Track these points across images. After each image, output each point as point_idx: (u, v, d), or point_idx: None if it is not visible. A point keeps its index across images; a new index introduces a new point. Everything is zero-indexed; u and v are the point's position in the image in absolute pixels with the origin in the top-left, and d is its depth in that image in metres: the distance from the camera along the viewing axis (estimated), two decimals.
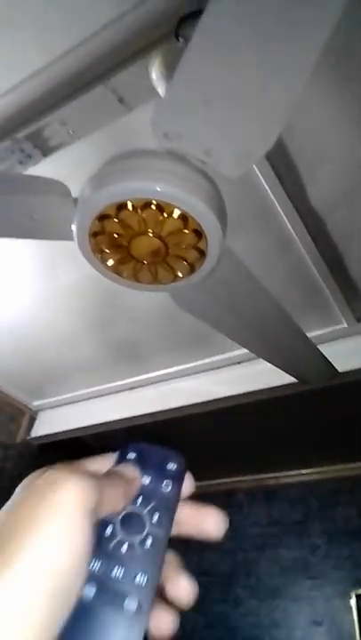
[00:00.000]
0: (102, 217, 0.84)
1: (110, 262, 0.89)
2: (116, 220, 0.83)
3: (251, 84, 0.76)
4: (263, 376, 2.38)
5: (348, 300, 2.05)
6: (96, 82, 1.28)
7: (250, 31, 0.74)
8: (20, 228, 0.96)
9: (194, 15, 1.14)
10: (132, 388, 2.72)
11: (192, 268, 0.90)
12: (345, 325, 2.17)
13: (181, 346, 2.41)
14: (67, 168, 1.51)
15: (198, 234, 0.85)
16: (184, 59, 0.74)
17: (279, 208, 1.64)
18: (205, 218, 0.83)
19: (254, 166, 1.52)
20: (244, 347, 1.38)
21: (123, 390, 2.74)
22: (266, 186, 1.58)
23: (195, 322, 1.33)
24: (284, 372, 2.24)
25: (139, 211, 0.81)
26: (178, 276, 0.90)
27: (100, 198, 0.82)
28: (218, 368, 2.50)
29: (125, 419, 2.74)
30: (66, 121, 1.34)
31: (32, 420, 3.03)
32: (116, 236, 0.86)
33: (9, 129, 1.43)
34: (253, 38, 0.74)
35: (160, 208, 0.81)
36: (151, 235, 0.83)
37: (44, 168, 1.49)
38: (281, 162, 1.53)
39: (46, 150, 1.42)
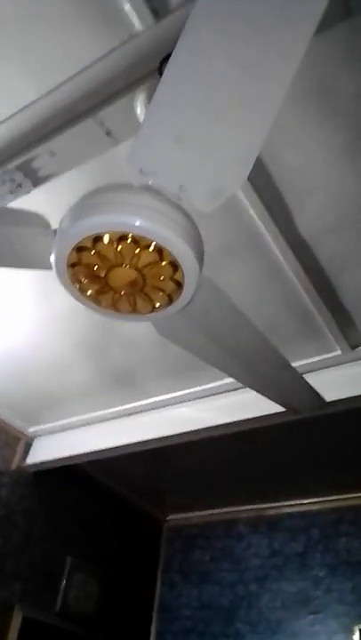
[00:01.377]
0: (80, 249, 0.85)
1: (89, 292, 0.90)
2: (92, 251, 0.84)
3: (221, 120, 0.77)
4: (261, 403, 2.36)
5: (342, 328, 2.04)
6: (85, 115, 1.31)
7: (219, 66, 0.76)
8: (2, 258, 0.98)
9: None
10: (128, 415, 2.70)
11: (170, 299, 0.90)
12: (339, 352, 2.16)
13: (177, 372, 2.40)
14: (57, 197, 1.54)
15: (174, 266, 0.85)
16: (155, 97, 0.76)
17: (269, 238, 1.66)
18: (180, 250, 0.83)
19: (244, 198, 1.54)
20: (231, 376, 1.38)
21: (119, 417, 2.72)
22: (255, 217, 1.60)
23: None
24: None
25: (115, 243, 0.82)
26: (156, 306, 0.91)
27: (77, 231, 0.83)
28: (215, 394, 2.48)
29: (122, 446, 2.71)
30: (55, 152, 1.37)
31: (28, 446, 3.01)
32: (93, 267, 0.87)
33: (0, 160, 1.47)
34: (223, 72, 0.76)
35: (136, 241, 0.82)
36: (128, 266, 0.84)
37: (35, 197, 1.51)
38: (269, 194, 1.55)
39: (36, 180, 1.45)
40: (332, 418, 2.36)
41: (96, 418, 2.77)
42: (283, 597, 3.24)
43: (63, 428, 2.89)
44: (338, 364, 2.20)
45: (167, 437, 2.57)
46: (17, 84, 1.40)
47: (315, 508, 3.45)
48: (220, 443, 2.69)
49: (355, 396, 2.14)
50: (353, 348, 2.12)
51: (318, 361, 2.21)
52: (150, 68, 1.23)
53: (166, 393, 2.54)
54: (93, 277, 0.87)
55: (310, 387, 1.33)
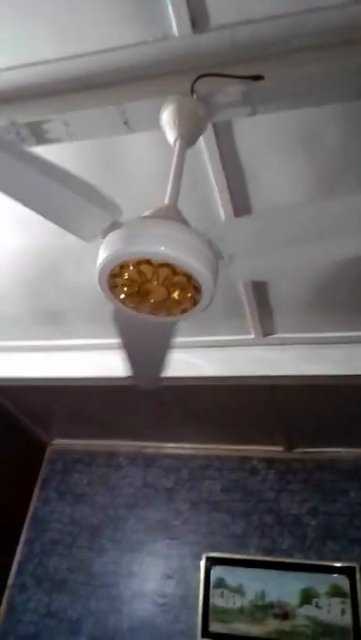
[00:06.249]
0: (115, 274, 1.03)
1: (130, 304, 1.08)
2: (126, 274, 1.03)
3: None
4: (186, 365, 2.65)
5: (261, 317, 2.37)
6: (108, 100, 1.39)
7: None
8: (48, 211, 1.09)
9: (210, 75, 1.31)
10: (48, 350, 2.84)
11: (195, 303, 1.11)
12: (253, 336, 2.50)
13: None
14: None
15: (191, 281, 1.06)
16: None
17: None
18: (202, 276, 1.04)
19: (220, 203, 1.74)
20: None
21: (39, 350, 2.86)
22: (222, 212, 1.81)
23: None
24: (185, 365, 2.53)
25: (153, 266, 1.00)
26: (185, 309, 1.11)
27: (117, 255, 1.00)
28: None
29: (35, 378, 2.87)
30: (69, 123, 1.44)
31: None
32: (130, 283, 1.05)
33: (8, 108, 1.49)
34: None
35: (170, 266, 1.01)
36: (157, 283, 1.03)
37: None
38: (240, 196, 1.77)
39: (41, 140, 1.51)
40: (213, 387, 2.81)
41: (15, 347, 2.88)
42: (147, 523, 3.70)
43: None
44: (248, 346, 2.55)
45: (83, 379, 2.78)
46: (37, 41, 1.42)
47: (188, 452, 3.92)
48: (116, 388, 2.94)
49: (255, 376, 2.53)
50: (264, 335, 2.47)
51: (233, 339, 2.55)
52: (181, 75, 1.35)
53: (91, 338, 2.72)
54: (131, 292, 1.06)
55: None
